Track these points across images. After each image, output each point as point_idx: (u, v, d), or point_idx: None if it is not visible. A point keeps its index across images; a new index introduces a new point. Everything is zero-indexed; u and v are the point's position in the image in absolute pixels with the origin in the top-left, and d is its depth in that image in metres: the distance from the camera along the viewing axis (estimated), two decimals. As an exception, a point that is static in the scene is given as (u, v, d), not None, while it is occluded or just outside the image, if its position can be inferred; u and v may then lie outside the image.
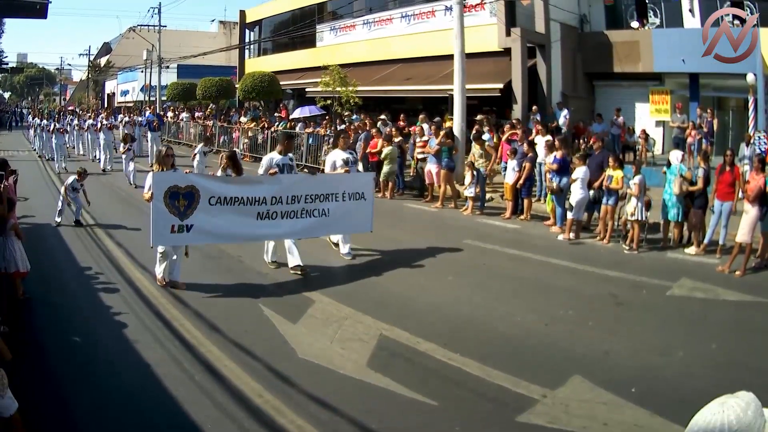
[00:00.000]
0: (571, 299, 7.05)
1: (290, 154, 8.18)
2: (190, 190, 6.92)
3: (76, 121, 24.98)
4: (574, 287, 7.52)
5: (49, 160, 20.71)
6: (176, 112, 31.19)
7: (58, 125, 20.04)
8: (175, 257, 7.26)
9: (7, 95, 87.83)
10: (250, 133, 22.17)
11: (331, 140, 15.52)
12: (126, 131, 20.04)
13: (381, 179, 14.42)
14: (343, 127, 17.25)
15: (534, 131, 13.86)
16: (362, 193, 8.30)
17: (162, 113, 30.82)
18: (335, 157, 8.85)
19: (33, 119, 28.39)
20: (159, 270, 7.24)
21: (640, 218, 9.39)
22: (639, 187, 9.40)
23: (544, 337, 6.01)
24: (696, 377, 5.11)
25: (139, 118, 24.44)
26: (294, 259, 7.87)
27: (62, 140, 19.52)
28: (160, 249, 7.10)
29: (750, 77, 13.35)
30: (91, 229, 10.58)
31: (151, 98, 41.28)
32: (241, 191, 7.34)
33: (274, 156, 8.00)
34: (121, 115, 29.44)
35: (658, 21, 18.38)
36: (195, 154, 16.18)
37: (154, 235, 6.85)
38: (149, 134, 21.32)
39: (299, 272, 7.79)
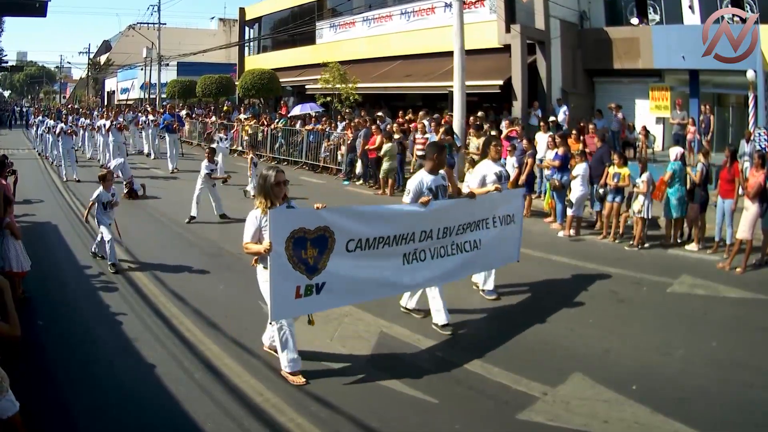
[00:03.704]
0: (571, 296, 7.04)
1: (442, 172, 6.21)
2: (322, 233, 4.89)
3: (87, 121, 22.57)
4: (575, 284, 7.51)
5: (55, 165, 18.56)
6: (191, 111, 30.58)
7: (65, 126, 17.52)
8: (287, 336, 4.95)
9: (6, 94, 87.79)
10: (249, 131, 22.14)
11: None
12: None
13: (381, 176, 14.43)
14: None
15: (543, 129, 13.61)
16: (512, 215, 6.71)
17: (188, 112, 28.99)
18: (486, 170, 6.98)
19: (35, 118, 26.31)
20: (267, 336, 5.41)
21: (646, 216, 9.37)
22: (647, 184, 9.36)
23: (544, 335, 6.00)
24: (696, 375, 5.11)
25: (152, 118, 21.98)
26: (442, 315, 5.97)
27: (70, 143, 17.13)
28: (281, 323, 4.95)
29: (750, 74, 13.34)
30: (91, 228, 10.56)
31: (152, 96, 41.25)
32: (388, 227, 5.43)
33: (423, 177, 6.01)
34: (133, 114, 27.04)
35: (657, 17, 18.34)
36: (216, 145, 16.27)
37: (274, 304, 4.71)
38: (167, 136, 19.14)
39: (449, 332, 5.92)
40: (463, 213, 6.11)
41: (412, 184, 6.00)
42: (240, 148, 21.77)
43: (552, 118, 15.90)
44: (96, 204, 8.19)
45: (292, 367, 4.90)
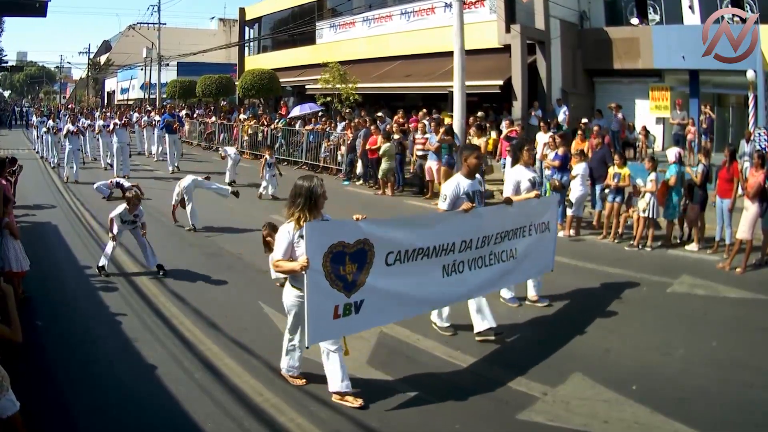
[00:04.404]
0: (571, 296, 7.05)
1: (479, 176, 6.01)
2: (361, 246, 4.49)
3: (88, 122, 21.67)
4: (575, 284, 7.51)
5: (56, 167, 18.13)
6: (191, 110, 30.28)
7: (72, 127, 16.68)
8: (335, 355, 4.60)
9: (6, 94, 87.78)
10: (249, 131, 22.16)
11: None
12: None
13: (380, 176, 14.44)
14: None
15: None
16: (547, 223, 6.42)
17: (187, 112, 28.34)
18: (520, 176, 6.70)
19: (37, 119, 25.44)
20: (288, 362, 4.90)
21: (652, 215, 9.35)
22: (656, 183, 9.35)
23: (544, 335, 6.00)
24: (696, 375, 5.11)
25: (157, 117, 21.47)
26: (484, 321, 5.72)
27: (77, 144, 16.54)
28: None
29: (750, 74, 13.35)
30: (91, 228, 10.58)
31: (152, 96, 41.26)
32: (428, 238, 5.04)
33: (459, 181, 5.75)
34: (136, 114, 26.56)
35: (657, 17, 18.34)
36: (225, 156, 16.19)
37: (311, 327, 4.26)
38: (167, 137, 18.65)
39: (492, 336, 5.73)
40: (502, 221, 5.80)
41: (448, 189, 5.73)
42: (240, 149, 21.74)
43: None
44: (115, 221, 7.85)
45: (293, 369, 4.86)
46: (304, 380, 4.84)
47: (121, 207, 7.88)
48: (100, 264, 7.76)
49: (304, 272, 4.18)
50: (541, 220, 6.30)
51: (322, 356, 4.59)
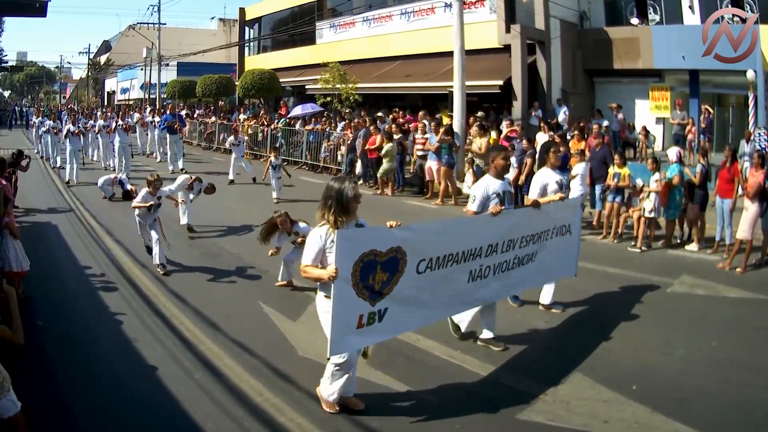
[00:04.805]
0: (571, 297, 7.04)
1: (507, 176, 5.87)
2: (394, 254, 4.27)
3: (91, 122, 21.31)
4: (575, 284, 7.49)
5: (57, 168, 17.89)
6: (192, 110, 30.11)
7: (72, 128, 16.42)
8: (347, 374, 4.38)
9: (6, 94, 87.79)
10: (249, 131, 22.14)
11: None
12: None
13: (380, 176, 14.43)
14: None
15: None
16: (569, 225, 6.24)
17: (187, 112, 27.52)
18: (546, 178, 6.49)
19: (37, 119, 24.99)
20: (330, 388, 4.42)
21: (657, 216, 9.33)
22: (660, 184, 9.33)
23: (544, 335, 6.01)
24: (696, 375, 5.11)
25: (157, 118, 21.07)
26: (489, 330, 5.65)
27: (78, 145, 16.38)
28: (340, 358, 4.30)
29: (750, 74, 13.35)
30: (91, 228, 10.58)
31: (152, 96, 41.27)
32: (459, 243, 4.87)
33: (489, 182, 5.60)
34: (137, 114, 25.93)
35: (657, 17, 18.34)
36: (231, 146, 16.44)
37: (334, 337, 4.08)
38: (168, 137, 18.44)
39: (502, 347, 5.59)
40: (527, 224, 5.62)
41: (478, 191, 5.56)
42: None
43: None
44: (138, 208, 8.14)
45: (336, 397, 4.41)
46: (363, 404, 4.50)
47: (143, 191, 8.20)
48: (158, 262, 7.94)
49: (331, 281, 3.96)
50: (563, 222, 6.15)
51: (329, 366, 4.37)
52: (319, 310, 4.32)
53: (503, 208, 5.35)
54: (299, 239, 7.14)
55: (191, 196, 10.42)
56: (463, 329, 5.80)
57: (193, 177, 10.56)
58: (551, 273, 6.21)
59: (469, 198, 5.60)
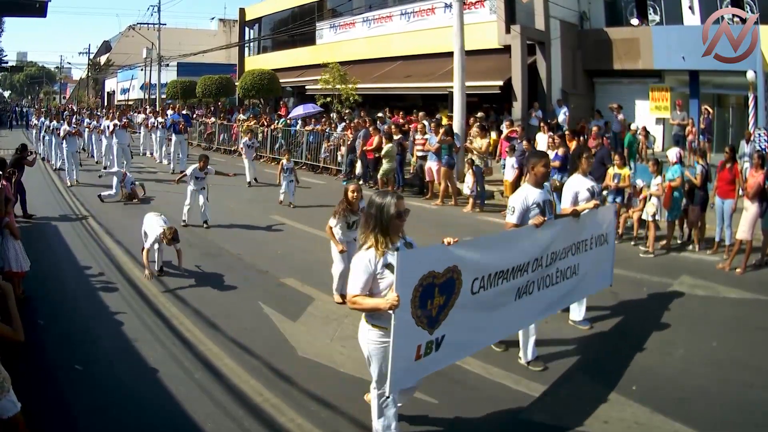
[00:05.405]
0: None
1: (547, 184, 5.49)
2: (450, 275, 3.87)
3: (94, 122, 21.34)
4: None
5: (58, 170, 17.79)
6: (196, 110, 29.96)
7: (69, 128, 16.36)
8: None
9: (6, 94, 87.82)
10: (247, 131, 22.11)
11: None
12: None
13: (380, 177, 14.44)
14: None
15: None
16: (606, 234, 5.91)
17: (187, 112, 26.33)
18: (577, 186, 6.23)
19: (38, 120, 24.97)
20: (383, 422, 3.95)
21: (660, 218, 9.30)
22: (662, 187, 9.29)
23: (544, 335, 5.98)
24: (696, 375, 5.11)
25: (161, 119, 20.62)
26: (530, 349, 5.33)
27: (74, 146, 16.33)
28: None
29: (750, 75, 13.35)
30: (91, 228, 10.58)
31: (152, 96, 41.28)
32: (509, 258, 4.53)
33: (528, 192, 5.23)
34: (142, 115, 25.25)
35: (657, 18, 18.35)
36: (241, 148, 16.41)
37: (394, 373, 3.62)
38: (174, 137, 18.38)
39: (540, 368, 5.27)
40: (568, 235, 5.29)
41: (517, 201, 5.19)
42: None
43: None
44: (189, 177, 10.30)
45: (395, 428, 3.97)
46: None
47: (192, 167, 10.39)
48: (204, 220, 10.54)
49: (391, 312, 3.52)
50: (601, 231, 5.84)
51: (373, 398, 3.96)
52: (362, 340, 3.83)
53: (545, 219, 5.00)
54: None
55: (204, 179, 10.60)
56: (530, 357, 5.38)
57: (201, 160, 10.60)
58: (591, 286, 5.86)
59: (507, 209, 5.29)
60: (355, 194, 6.85)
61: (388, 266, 3.60)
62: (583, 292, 5.86)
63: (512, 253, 4.60)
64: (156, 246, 7.61)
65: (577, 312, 6.24)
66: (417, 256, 3.80)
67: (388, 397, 3.84)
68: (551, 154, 11.36)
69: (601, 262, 5.88)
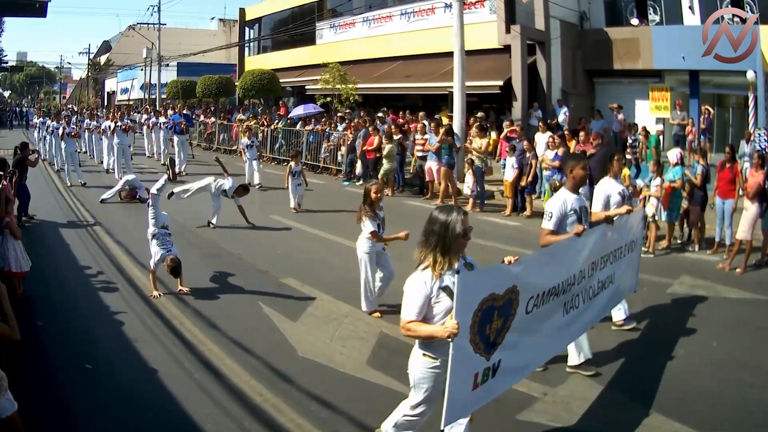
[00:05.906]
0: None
1: (582, 189, 5.25)
2: (509, 296, 3.55)
3: (94, 123, 21.25)
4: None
5: (59, 171, 17.64)
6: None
7: (68, 129, 16.31)
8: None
9: (7, 94, 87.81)
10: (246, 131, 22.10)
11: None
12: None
13: (380, 177, 14.43)
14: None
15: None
16: (635, 240, 5.73)
17: (187, 112, 25.99)
18: (609, 189, 6.00)
19: (38, 119, 24.79)
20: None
21: (661, 219, 9.30)
22: (661, 189, 9.28)
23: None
24: (696, 375, 5.11)
25: (162, 119, 20.51)
26: (582, 353, 5.15)
27: (73, 146, 16.24)
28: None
29: (750, 75, 13.34)
30: (91, 228, 10.58)
31: (152, 96, 41.29)
32: (557, 274, 4.22)
33: (566, 197, 4.99)
34: (145, 116, 24.93)
35: (657, 18, 18.34)
36: (242, 149, 16.30)
37: (450, 405, 3.32)
38: (175, 138, 18.29)
39: (591, 373, 5.11)
40: (605, 243, 5.02)
41: (554, 207, 4.95)
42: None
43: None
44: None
45: None
46: None
47: (244, 140, 11.57)
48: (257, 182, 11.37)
49: (450, 339, 3.18)
50: (633, 237, 5.64)
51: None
52: (412, 365, 3.57)
53: (585, 228, 4.72)
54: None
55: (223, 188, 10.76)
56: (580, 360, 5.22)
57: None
58: (622, 291, 5.62)
59: (544, 214, 5.06)
60: (379, 194, 6.65)
61: (444, 289, 3.33)
62: (616, 301, 5.68)
63: (560, 266, 4.34)
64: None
65: (620, 312, 6.07)
66: (478, 278, 3.51)
67: (411, 420, 3.69)
68: (551, 154, 11.39)
69: (631, 268, 5.71)
